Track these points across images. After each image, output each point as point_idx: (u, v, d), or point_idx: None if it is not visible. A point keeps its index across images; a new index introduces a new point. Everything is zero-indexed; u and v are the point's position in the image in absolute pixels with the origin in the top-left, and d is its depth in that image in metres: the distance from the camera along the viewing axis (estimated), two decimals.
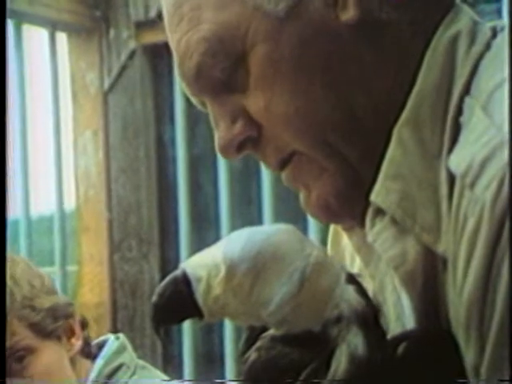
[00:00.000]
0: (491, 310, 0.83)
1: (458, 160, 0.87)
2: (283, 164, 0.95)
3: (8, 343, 1.59)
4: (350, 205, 0.94)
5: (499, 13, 2.39)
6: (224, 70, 0.92)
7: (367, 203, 0.92)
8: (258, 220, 2.44)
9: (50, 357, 1.68)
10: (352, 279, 0.93)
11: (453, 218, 0.87)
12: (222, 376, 2.43)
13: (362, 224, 0.93)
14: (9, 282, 1.64)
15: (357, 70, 0.92)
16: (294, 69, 0.92)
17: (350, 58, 0.92)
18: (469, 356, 0.87)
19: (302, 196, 0.96)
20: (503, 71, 0.89)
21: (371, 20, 0.92)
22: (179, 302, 0.92)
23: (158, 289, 0.92)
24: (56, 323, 1.68)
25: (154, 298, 0.91)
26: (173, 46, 0.96)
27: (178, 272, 0.92)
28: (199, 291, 0.90)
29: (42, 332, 1.66)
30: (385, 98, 0.93)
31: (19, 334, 1.64)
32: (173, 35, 0.95)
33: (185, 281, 0.91)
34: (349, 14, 0.90)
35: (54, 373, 1.68)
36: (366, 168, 0.92)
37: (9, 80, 2.47)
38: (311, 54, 0.92)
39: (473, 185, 0.84)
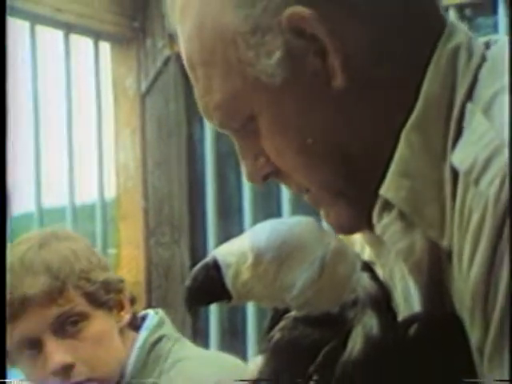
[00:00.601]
0: (494, 296, 0.82)
1: (462, 157, 0.85)
2: (303, 192, 0.96)
3: (64, 309, 1.59)
4: (360, 222, 0.94)
5: (495, 27, 2.36)
6: (240, 126, 0.93)
7: (374, 199, 0.91)
8: (277, 212, 2.41)
9: (102, 324, 1.65)
10: (366, 267, 0.93)
11: (457, 213, 0.86)
12: (245, 350, 2.41)
13: (364, 226, 0.94)
14: (70, 255, 1.63)
15: (351, 125, 0.92)
16: (295, 131, 0.91)
17: (344, 116, 0.91)
18: (474, 337, 0.85)
19: (322, 214, 0.97)
20: (501, 80, 0.88)
21: (360, 81, 0.90)
22: (210, 286, 0.91)
23: (192, 273, 0.91)
24: (108, 295, 1.65)
25: (188, 282, 0.91)
26: (195, 91, 0.97)
27: (209, 259, 0.91)
28: (228, 276, 0.90)
29: (96, 302, 1.63)
30: (374, 140, 0.92)
31: (74, 302, 1.61)
32: (193, 82, 0.96)
33: (215, 267, 0.90)
34: (337, 80, 0.89)
35: (104, 339, 1.65)
36: (367, 194, 0.92)
37: (57, 83, 2.52)
38: (309, 118, 0.91)
39: (477, 181, 0.83)
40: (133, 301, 1.72)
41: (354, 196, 0.93)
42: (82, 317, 1.62)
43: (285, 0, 0.89)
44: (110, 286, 1.66)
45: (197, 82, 0.95)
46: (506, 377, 0.82)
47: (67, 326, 1.61)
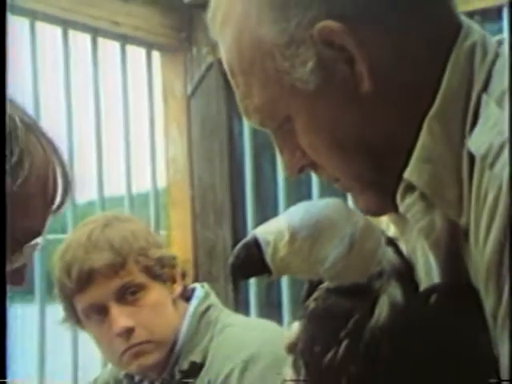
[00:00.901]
0: (507, 268, 0.80)
1: (478, 144, 0.84)
2: (335, 182, 0.95)
3: (125, 280, 1.61)
4: (387, 206, 0.93)
5: (500, 30, 2.33)
6: (278, 126, 0.92)
7: (398, 183, 0.90)
8: (307, 197, 2.40)
9: (158, 294, 1.65)
10: (391, 242, 0.92)
11: (474, 194, 0.84)
12: (280, 319, 2.39)
13: (394, 205, 0.92)
14: (130, 234, 1.64)
15: (377, 124, 0.90)
16: (327, 130, 0.90)
17: (371, 117, 0.90)
18: (488, 305, 0.84)
19: (351, 198, 0.96)
20: None
21: (385, 85, 0.89)
22: (252, 262, 0.90)
23: (234, 251, 0.91)
24: (162, 270, 1.66)
25: (231, 259, 0.90)
26: (236, 95, 0.96)
27: (249, 238, 0.90)
28: (268, 253, 0.89)
29: (152, 275, 1.64)
30: (397, 135, 0.90)
31: (134, 274, 1.63)
32: (234, 87, 0.95)
33: (256, 245, 0.89)
34: (364, 86, 0.88)
35: (160, 307, 1.66)
36: (392, 181, 0.91)
37: (115, 88, 2.53)
38: (340, 119, 0.90)
39: (492, 165, 0.81)
40: (184, 275, 1.73)
41: (380, 184, 0.92)
42: (141, 287, 1.64)
43: (316, 15, 0.88)
44: (164, 261, 1.67)
45: (237, 87, 0.93)
46: None
47: (128, 295, 1.63)
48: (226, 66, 0.94)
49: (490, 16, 2.30)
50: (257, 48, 0.89)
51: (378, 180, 0.92)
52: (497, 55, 0.88)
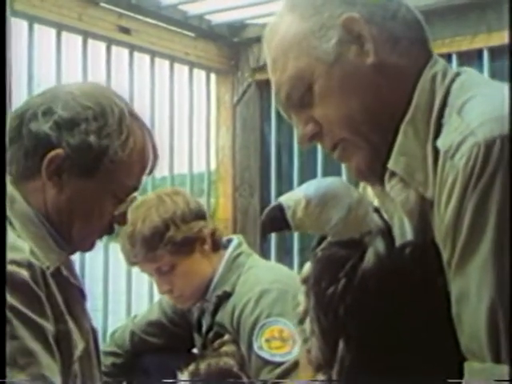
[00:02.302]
0: (460, 229, 0.76)
1: (443, 142, 0.80)
2: (334, 147, 0.90)
3: (157, 264, 1.56)
4: (374, 171, 0.89)
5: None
6: (300, 96, 0.88)
7: (384, 170, 0.87)
8: (314, 177, 2.35)
9: (185, 266, 1.60)
10: (376, 210, 0.90)
11: (438, 176, 0.80)
12: (292, 263, 2.35)
13: (380, 182, 0.89)
14: (159, 224, 1.54)
15: (376, 91, 0.86)
16: (340, 94, 0.86)
17: (373, 85, 0.86)
18: (445, 255, 0.80)
19: (346, 166, 0.91)
20: (468, 93, 0.83)
21: (385, 62, 0.86)
22: (277, 221, 0.88)
23: (265, 212, 0.89)
24: (187, 246, 1.58)
25: (263, 218, 0.88)
26: (272, 82, 0.91)
27: (276, 203, 0.88)
28: (289, 214, 0.87)
29: (179, 253, 1.57)
30: (392, 106, 0.86)
31: (164, 258, 1.57)
32: (272, 77, 0.91)
33: (280, 208, 0.87)
34: (370, 59, 0.84)
35: (188, 273, 1.61)
36: (383, 147, 0.86)
37: (184, 100, 2.51)
38: (350, 85, 0.86)
39: (452, 157, 0.77)
40: (214, 233, 1.64)
41: (373, 142, 0.87)
42: (171, 265, 1.58)
43: (343, 11, 0.87)
44: (189, 238, 1.58)
45: (275, 71, 0.90)
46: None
47: (163, 270, 1.59)
48: (269, 63, 0.91)
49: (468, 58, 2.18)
50: (297, 35, 0.88)
51: (372, 137, 0.87)
52: (453, 80, 0.86)
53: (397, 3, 0.89)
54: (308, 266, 0.91)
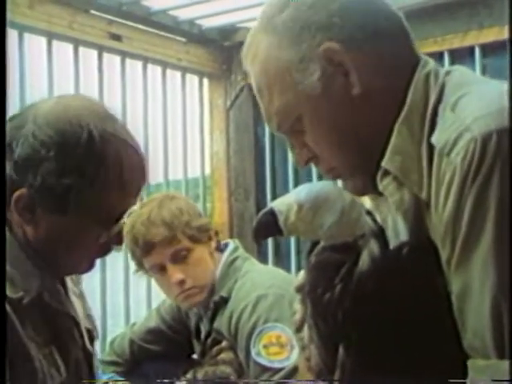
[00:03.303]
0: (459, 226, 0.74)
1: (438, 138, 0.78)
2: (330, 171, 0.90)
3: (176, 247, 1.55)
4: (369, 188, 0.88)
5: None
6: (291, 125, 0.86)
7: (377, 169, 0.85)
8: (309, 181, 2.33)
9: (199, 253, 1.60)
10: (369, 213, 0.87)
11: (434, 174, 0.78)
12: (289, 267, 2.36)
13: (377, 191, 0.87)
14: (177, 212, 1.57)
15: (366, 119, 0.85)
16: (329, 125, 0.85)
17: (362, 113, 0.85)
18: (444, 254, 0.78)
19: (342, 183, 0.91)
20: (461, 90, 0.81)
21: (370, 89, 0.84)
22: (269, 226, 0.85)
23: (257, 218, 0.87)
24: (202, 234, 1.59)
25: (254, 224, 0.87)
26: (261, 107, 0.90)
27: (267, 208, 0.86)
28: (281, 220, 0.84)
29: (195, 239, 1.58)
30: (379, 129, 0.85)
31: (182, 242, 1.57)
32: (259, 101, 0.90)
33: (272, 213, 0.85)
34: (355, 89, 0.83)
35: (201, 262, 1.60)
36: (374, 167, 0.86)
37: (177, 106, 2.49)
38: (339, 116, 0.85)
39: (449, 153, 0.75)
40: (217, 233, 1.67)
41: (365, 170, 0.87)
42: (187, 250, 1.58)
43: (320, 40, 0.84)
44: (202, 228, 1.61)
45: (262, 99, 0.89)
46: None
47: (179, 256, 1.57)
48: (254, 87, 0.90)
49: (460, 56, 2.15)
50: (279, 66, 0.86)
51: (365, 165, 0.86)
52: (446, 78, 0.85)
53: (374, 15, 0.86)
54: (302, 274, 0.89)
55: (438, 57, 2.12)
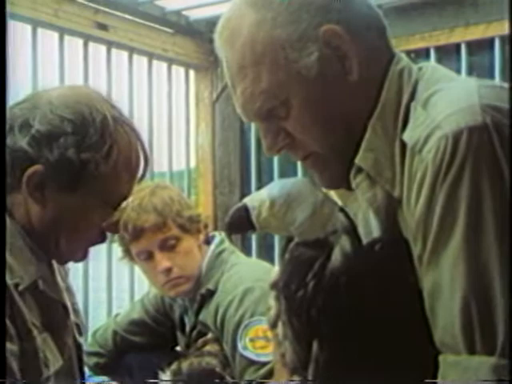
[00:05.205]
0: (431, 222, 0.74)
1: (410, 136, 0.78)
2: (305, 158, 0.87)
3: (166, 234, 1.54)
4: (342, 181, 0.87)
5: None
6: (272, 108, 0.82)
7: (350, 166, 0.84)
8: (293, 175, 2.32)
9: (188, 243, 1.59)
10: (342, 209, 0.88)
11: (407, 172, 0.77)
12: (273, 259, 2.32)
13: (348, 187, 0.86)
14: (169, 200, 1.56)
15: (355, 105, 0.84)
16: (319, 109, 0.83)
17: (353, 100, 0.84)
18: (416, 249, 0.78)
19: (315, 176, 0.88)
20: (432, 88, 0.81)
21: (365, 77, 0.83)
22: (242, 222, 0.86)
23: (229, 213, 0.86)
24: (192, 225, 1.59)
25: (227, 219, 0.86)
26: (237, 90, 0.85)
27: (240, 204, 0.87)
28: (254, 215, 0.85)
29: (184, 229, 1.57)
30: (361, 116, 0.84)
31: (172, 230, 1.56)
32: (237, 84, 0.84)
33: (245, 209, 0.85)
34: (353, 75, 0.81)
35: (189, 252, 1.60)
36: (348, 157, 0.84)
37: (163, 97, 2.48)
38: (330, 101, 0.83)
39: (420, 150, 0.75)
40: (206, 226, 1.66)
41: (346, 159, 0.85)
42: (176, 239, 1.57)
43: (321, 21, 0.82)
44: (193, 218, 1.60)
45: (244, 78, 0.83)
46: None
47: (167, 244, 1.57)
48: (233, 65, 0.84)
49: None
50: (270, 43, 0.82)
51: (347, 151, 0.85)
52: (419, 75, 0.85)
53: (360, 6, 0.85)
54: (276, 270, 0.89)
55: (425, 53, 2.13)
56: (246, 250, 2.22)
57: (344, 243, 0.83)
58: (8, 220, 0.94)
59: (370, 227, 0.87)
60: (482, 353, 0.71)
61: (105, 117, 0.97)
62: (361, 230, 0.88)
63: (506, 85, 0.81)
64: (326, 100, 0.82)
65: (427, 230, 0.75)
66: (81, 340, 1.05)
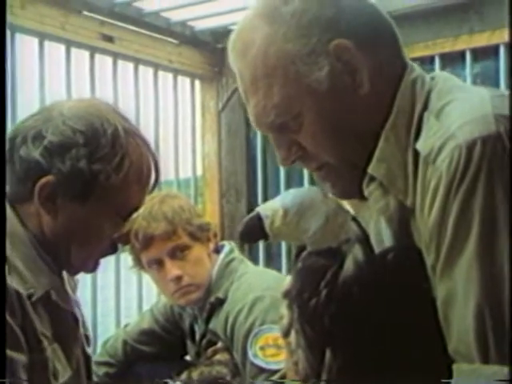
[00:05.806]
0: (445, 232, 0.75)
1: (423, 146, 0.78)
2: (319, 169, 0.87)
3: (176, 242, 1.54)
4: (355, 191, 0.87)
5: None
6: (284, 122, 0.84)
7: (362, 176, 0.85)
8: (300, 184, 2.31)
9: (198, 251, 1.59)
10: (354, 218, 0.88)
11: (420, 182, 0.78)
12: (280, 268, 2.35)
13: (361, 196, 0.87)
14: (179, 208, 1.57)
15: (367, 118, 0.84)
16: (331, 123, 0.83)
17: (365, 113, 0.84)
18: (429, 259, 0.78)
19: (327, 187, 0.88)
20: (445, 98, 0.81)
21: (375, 90, 0.84)
22: (255, 230, 0.86)
23: (243, 222, 0.86)
24: (202, 233, 1.59)
25: (240, 228, 0.86)
26: (250, 103, 0.85)
27: (254, 212, 0.87)
28: (267, 224, 0.85)
29: (194, 237, 1.58)
30: (372, 127, 0.85)
31: (182, 238, 1.56)
32: (250, 97, 0.85)
33: (258, 218, 0.86)
34: (364, 89, 0.82)
35: (199, 261, 1.60)
36: (360, 168, 0.85)
37: (169, 107, 2.49)
38: (342, 115, 0.83)
39: (434, 160, 0.76)
40: (215, 235, 1.66)
41: (359, 170, 0.86)
42: (187, 247, 1.58)
43: (332, 35, 0.83)
44: (203, 227, 1.60)
45: (257, 92, 0.84)
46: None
47: (177, 252, 1.57)
48: (246, 78, 0.85)
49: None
50: (282, 57, 0.82)
51: (359, 162, 0.85)
52: (431, 85, 0.85)
53: (371, 18, 0.86)
54: (289, 279, 0.89)
55: (430, 61, 2.13)
56: (253, 259, 2.21)
57: (357, 252, 0.83)
58: (21, 229, 0.94)
59: (383, 236, 0.88)
60: (495, 362, 0.71)
61: (116, 128, 0.98)
62: (373, 240, 0.89)
63: (506, 92, 0.82)
64: (338, 113, 0.83)
65: (441, 240, 0.75)
66: (89, 351, 1.06)
